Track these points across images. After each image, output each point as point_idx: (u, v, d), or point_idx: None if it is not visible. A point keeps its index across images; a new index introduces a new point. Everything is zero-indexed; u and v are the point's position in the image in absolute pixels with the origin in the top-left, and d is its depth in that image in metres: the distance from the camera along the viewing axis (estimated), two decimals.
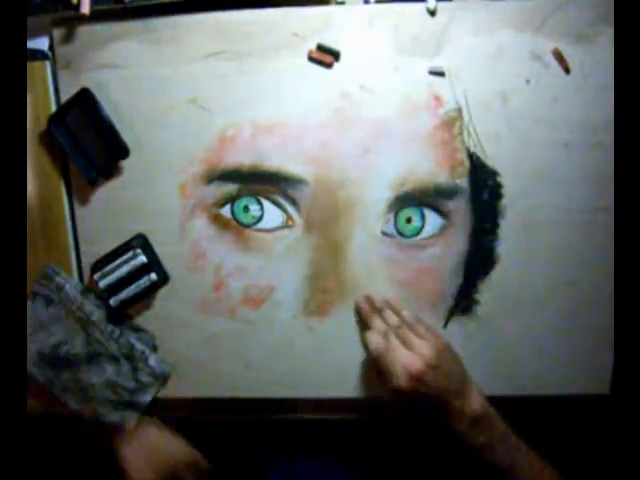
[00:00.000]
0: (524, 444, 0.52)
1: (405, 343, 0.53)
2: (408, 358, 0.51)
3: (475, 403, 0.51)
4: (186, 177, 0.58)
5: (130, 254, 0.58)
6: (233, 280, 0.59)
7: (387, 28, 0.55)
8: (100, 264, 0.59)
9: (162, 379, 0.60)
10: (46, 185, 0.60)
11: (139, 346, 0.59)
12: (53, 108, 0.58)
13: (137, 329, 0.60)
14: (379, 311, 0.58)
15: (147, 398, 0.60)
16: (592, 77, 0.55)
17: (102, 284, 0.58)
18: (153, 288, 0.59)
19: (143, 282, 0.58)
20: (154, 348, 0.60)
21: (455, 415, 0.51)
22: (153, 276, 0.58)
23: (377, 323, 0.57)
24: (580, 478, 0.64)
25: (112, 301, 0.58)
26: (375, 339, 0.54)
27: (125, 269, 0.58)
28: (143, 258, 0.58)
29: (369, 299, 0.58)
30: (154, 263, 0.58)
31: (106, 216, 0.59)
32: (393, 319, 0.56)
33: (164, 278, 0.59)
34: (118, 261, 0.58)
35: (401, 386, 0.50)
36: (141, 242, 0.58)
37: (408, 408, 0.53)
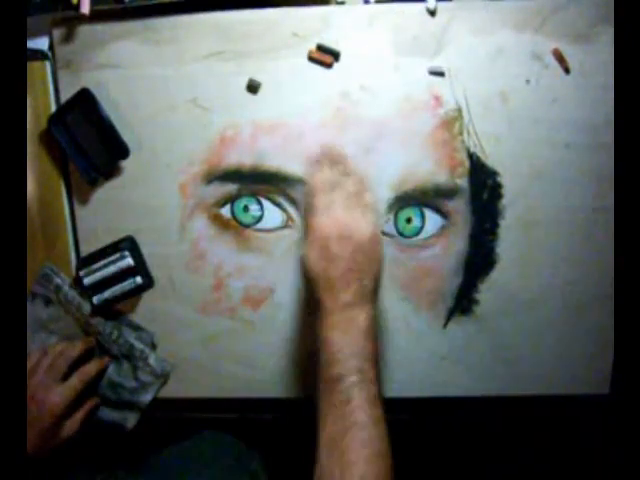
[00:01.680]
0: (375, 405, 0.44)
1: (347, 207, 0.49)
2: (346, 219, 0.48)
3: (357, 312, 0.46)
4: (186, 177, 0.58)
5: (117, 255, 0.58)
6: (233, 280, 0.59)
7: (387, 28, 0.55)
8: (87, 261, 0.59)
9: (163, 378, 0.60)
10: (46, 185, 0.60)
11: (138, 345, 0.59)
12: (53, 108, 0.58)
13: (136, 328, 0.60)
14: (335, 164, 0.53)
15: (148, 397, 0.60)
16: (592, 77, 0.55)
17: (87, 281, 0.58)
18: (137, 291, 0.59)
19: (128, 284, 0.58)
20: (153, 346, 0.61)
21: (327, 303, 0.47)
22: (138, 279, 0.58)
23: (328, 172, 0.53)
24: (580, 477, 0.65)
25: (95, 299, 0.59)
26: (326, 177, 0.51)
27: (111, 269, 0.58)
28: (130, 261, 0.58)
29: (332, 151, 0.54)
30: (140, 266, 0.59)
31: (106, 216, 0.59)
32: (346, 181, 0.52)
33: (149, 282, 0.59)
34: (105, 261, 0.58)
35: (321, 234, 0.47)
36: (129, 244, 0.58)
37: (305, 263, 0.49)
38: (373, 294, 0.49)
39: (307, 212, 0.50)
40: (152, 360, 0.60)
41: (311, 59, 0.56)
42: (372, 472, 0.42)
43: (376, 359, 0.47)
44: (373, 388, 0.45)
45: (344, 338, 0.46)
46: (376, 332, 0.48)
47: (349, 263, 0.47)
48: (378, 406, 0.45)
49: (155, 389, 0.60)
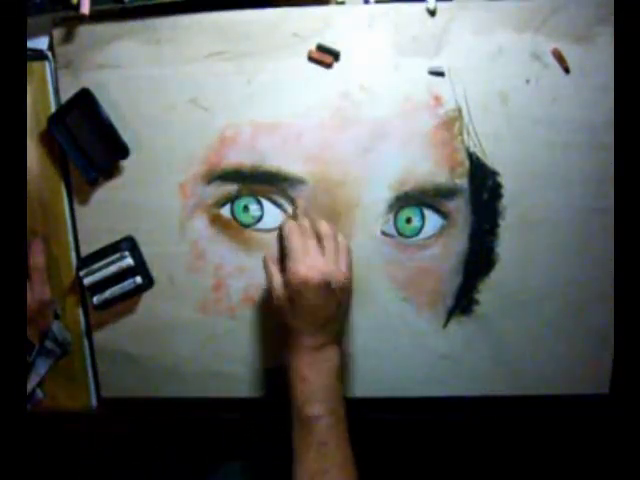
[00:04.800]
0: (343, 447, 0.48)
1: (322, 253, 0.50)
2: (323, 265, 0.49)
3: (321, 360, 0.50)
4: (186, 177, 0.58)
5: (117, 255, 0.58)
6: (233, 280, 0.59)
7: (387, 28, 0.55)
8: (87, 261, 0.59)
9: (64, 347, 0.62)
10: (46, 185, 0.60)
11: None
12: (53, 108, 0.58)
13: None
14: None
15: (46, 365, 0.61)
16: (592, 77, 0.55)
17: (87, 281, 0.58)
18: (137, 291, 0.59)
19: (128, 284, 0.58)
20: (56, 315, 0.61)
21: (305, 342, 0.50)
22: (138, 279, 0.58)
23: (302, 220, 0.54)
24: (580, 477, 0.65)
25: (95, 299, 0.59)
26: (292, 224, 0.52)
27: (111, 270, 0.58)
28: (130, 261, 0.58)
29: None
30: (140, 266, 0.59)
31: (106, 216, 0.59)
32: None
33: (149, 282, 0.59)
34: (105, 261, 0.58)
35: (290, 280, 0.49)
36: (129, 244, 0.59)
37: (276, 306, 0.51)
38: (341, 335, 0.53)
39: (283, 255, 0.51)
40: (55, 328, 0.60)
41: (311, 59, 0.56)
42: None
43: (343, 397, 0.51)
44: (344, 427, 0.49)
45: (320, 378, 0.50)
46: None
47: (326, 307, 0.50)
48: (349, 444, 0.49)
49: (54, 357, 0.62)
